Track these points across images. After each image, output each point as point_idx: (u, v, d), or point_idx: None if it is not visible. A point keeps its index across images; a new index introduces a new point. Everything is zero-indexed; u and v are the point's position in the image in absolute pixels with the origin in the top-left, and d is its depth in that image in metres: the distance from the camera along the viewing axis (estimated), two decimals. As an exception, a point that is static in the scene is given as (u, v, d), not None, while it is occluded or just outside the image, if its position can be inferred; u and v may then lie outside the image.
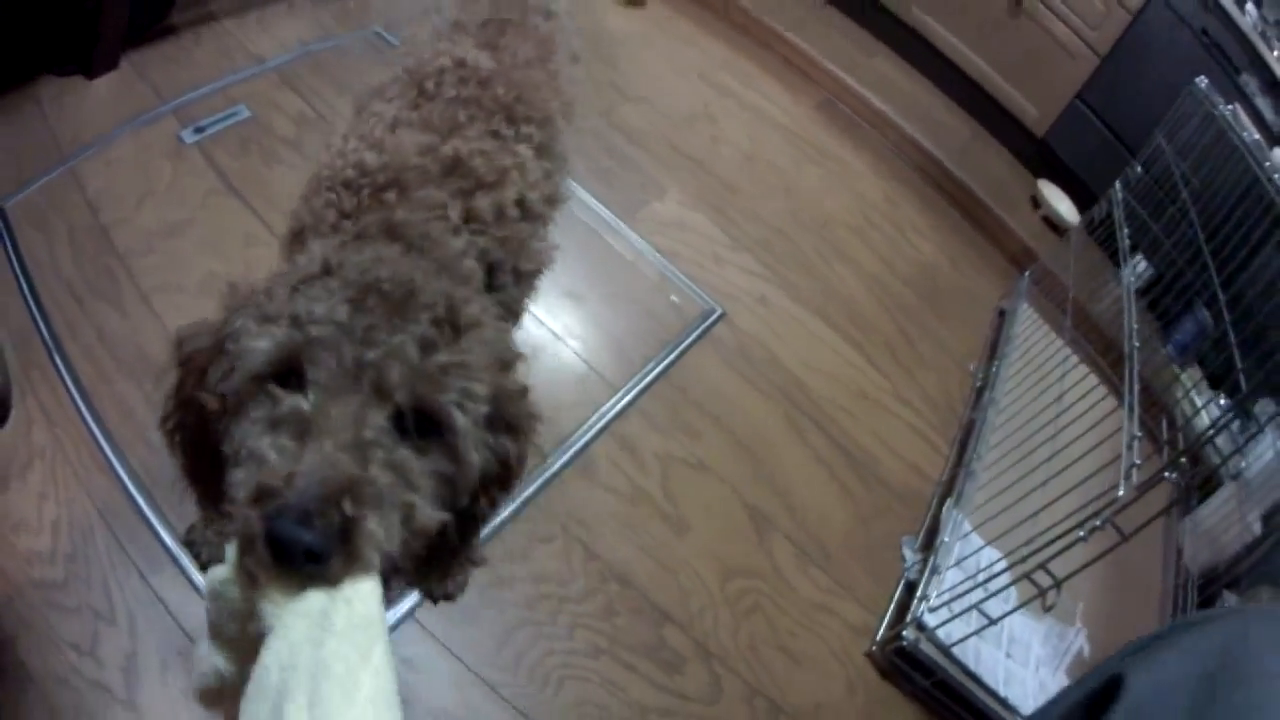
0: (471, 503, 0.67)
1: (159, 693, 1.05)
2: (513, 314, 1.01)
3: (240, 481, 0.55)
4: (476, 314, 0.64)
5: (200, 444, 0.66)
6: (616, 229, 1.78)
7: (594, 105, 2.08)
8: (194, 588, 1.14)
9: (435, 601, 1.18)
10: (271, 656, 0.50)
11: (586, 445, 1.41)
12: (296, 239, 0.88)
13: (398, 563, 0.58)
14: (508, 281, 0.92)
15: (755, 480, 1.48)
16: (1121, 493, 1.17)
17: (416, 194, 0.83)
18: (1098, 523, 1.15)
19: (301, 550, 0.50)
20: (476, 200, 0.86)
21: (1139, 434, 1.25)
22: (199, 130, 1.75)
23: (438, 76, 0.95)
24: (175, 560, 1.18)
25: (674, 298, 1.71)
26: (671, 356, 1.59)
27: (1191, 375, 1.88)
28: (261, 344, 0.58)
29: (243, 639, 0.55)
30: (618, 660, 1.19)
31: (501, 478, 0.68)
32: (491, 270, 0.89)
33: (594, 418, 1.45)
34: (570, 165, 1.84)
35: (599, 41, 2.31)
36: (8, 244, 1.49)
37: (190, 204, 1.61)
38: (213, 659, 0.58)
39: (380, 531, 0.53)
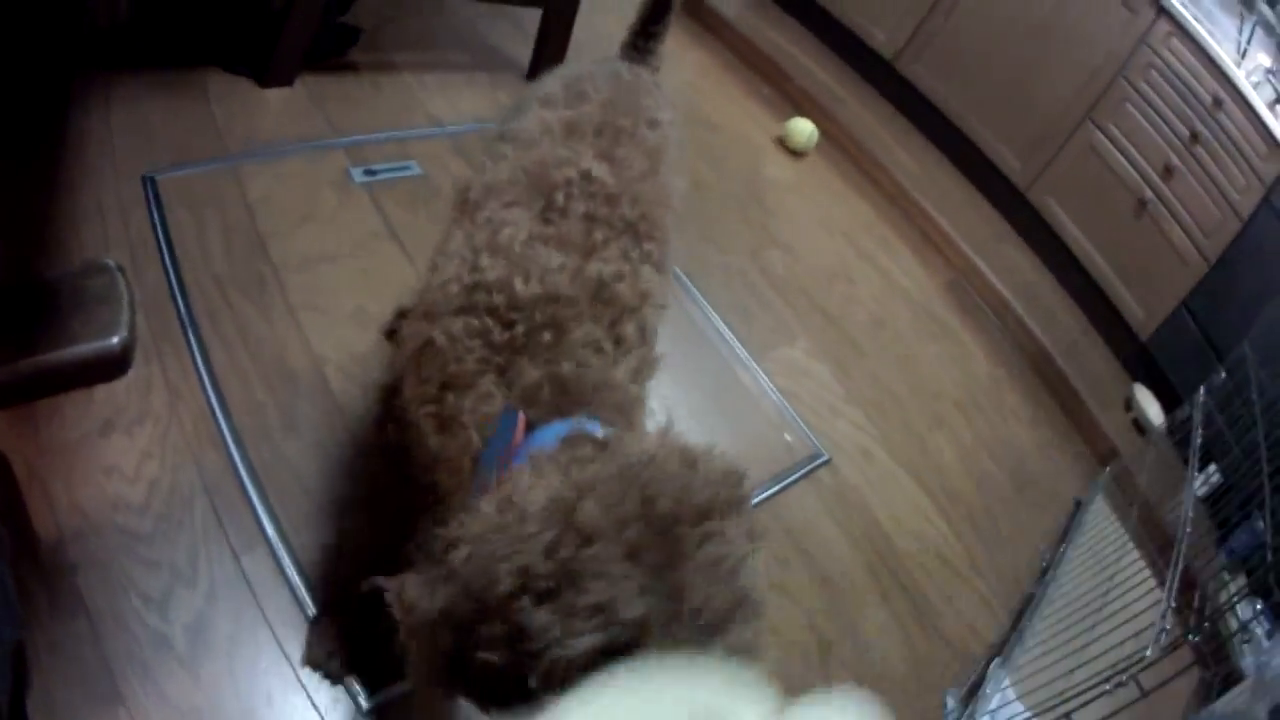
0: None
1: (221, 662, 1.06)
2: None
3: None
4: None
5: None
6: (746, 364, 2.02)
7: (745, 244, 2.34)
8: (284, 578, 1.17)
9: None
10: None
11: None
12: (426, 349, 0.87)
13: None
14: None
15: (828, 612, 1.63)
16: (1149, 653, 1.32)
17: (574, 335, 0.83)
18: (1123, 678, 1.30)
19: None
20: (624, 328, 0.89)
21: (1174, 604, 1.41)
22: (370, 173, 1.82)
23: (566, 188, 0.93)
24: (270, 547, 1.20)
25: (788, 436, 1.92)
26: (775, 489, 1.79)
27: (1236, 581, 1.94)
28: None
29: None
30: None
31: None
32: None
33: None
34: (715, 298, 2.08)
35: (755, 184, 2.58)
36: (155, 216, 1.52)
37: (351, 239, 1.67)
38: None
39: None
